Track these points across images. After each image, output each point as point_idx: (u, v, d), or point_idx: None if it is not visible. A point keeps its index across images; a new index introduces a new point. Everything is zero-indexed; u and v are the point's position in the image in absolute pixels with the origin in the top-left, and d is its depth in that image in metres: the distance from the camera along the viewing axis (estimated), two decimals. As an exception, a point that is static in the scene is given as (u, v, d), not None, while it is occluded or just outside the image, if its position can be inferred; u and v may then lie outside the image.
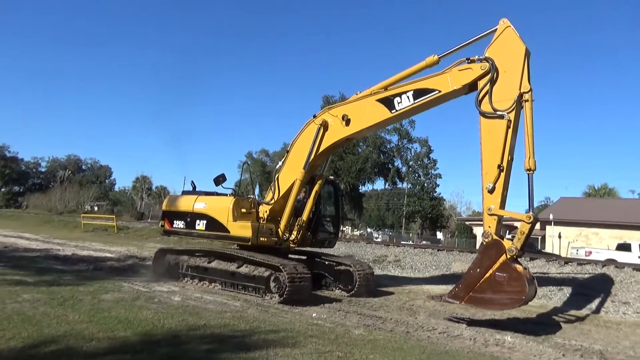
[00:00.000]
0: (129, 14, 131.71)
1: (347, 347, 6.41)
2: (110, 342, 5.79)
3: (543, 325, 9.32)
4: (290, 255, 11.62)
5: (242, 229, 10.57)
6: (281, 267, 9.61)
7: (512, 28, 8.68)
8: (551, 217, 36.96)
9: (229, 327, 7.06)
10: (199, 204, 11.44)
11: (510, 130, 8.27)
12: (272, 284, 9.89)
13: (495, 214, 8.20)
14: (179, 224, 11.75)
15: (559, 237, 37.22)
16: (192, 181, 12.66)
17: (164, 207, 12.59)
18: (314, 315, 8.68)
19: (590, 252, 25.41)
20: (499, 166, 8.24)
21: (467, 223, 52.72)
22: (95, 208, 63.26)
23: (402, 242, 29.78)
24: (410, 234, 61.26)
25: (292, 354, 5.81)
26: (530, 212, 8.00)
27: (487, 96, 8.57)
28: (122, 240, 26.14)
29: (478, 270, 8.15)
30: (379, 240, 42.08)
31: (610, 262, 17.02)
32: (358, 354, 6.08)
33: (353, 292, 11.24)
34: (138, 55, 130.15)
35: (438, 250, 19.22)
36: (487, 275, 8.02)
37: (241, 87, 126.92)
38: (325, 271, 11.97)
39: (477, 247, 34.43)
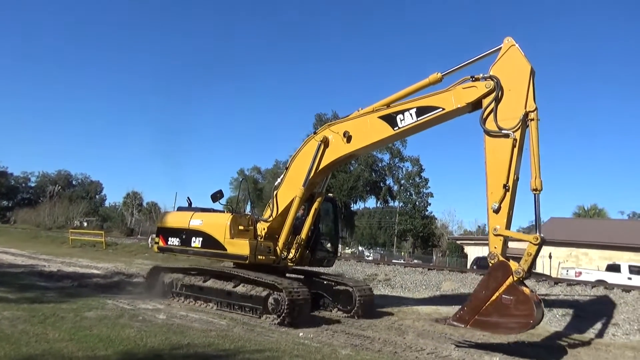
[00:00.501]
0: (122, 20, 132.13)
1: (333, 367, 6.30)
2: (89, 361, 5.65)
3: (533, 347, 9.27)
4: (287, 275, 11.32)
5: (239, 247, 10.28)
6: (280, 287, 9.31)
7: (516, 47, 8.65)
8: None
9: (213, 347, 6.93)
10: (195, 221, 11.16)
11: (516, 150, 8.19)
12: (270, 305, 9.56)
13: (501, 234, 8.07)
14: (174, 241, 11.45)
15: (550, 257, 37.26)
16: (188, 197, 12.34)
17: (158, 223, 12.34)
18: (300, 334, 8.54)
19: (580, 273, 25.42)
20: (504, 186, 8.13)
21: (458, 242, 52.68)
22: (85, 224, 62.49)
23: (393, 261, 29.65)
24: (402, 253, 61.14)
25: (277, 374, 5.69)
26: (538, 233, 7.84)
27: (492, 115, 8.51)
28: (110, 256, 25.79)
29: (484, 292, 7.95)
30: (370, 258, 41.85)
31: (599, 282, 17.03)
32: (344, 375, 5.97)
33: (353, 312, 10.99)
34: (132, 67, 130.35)
35: (428, 269, 19.11)
36: (494, 297, 7.81)
37: (234, 105, 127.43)
38: (323, 291, 11.67)
39: (468, 266, 34.41)
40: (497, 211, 8.14)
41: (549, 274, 30.49)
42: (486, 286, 7.98)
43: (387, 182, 65.05)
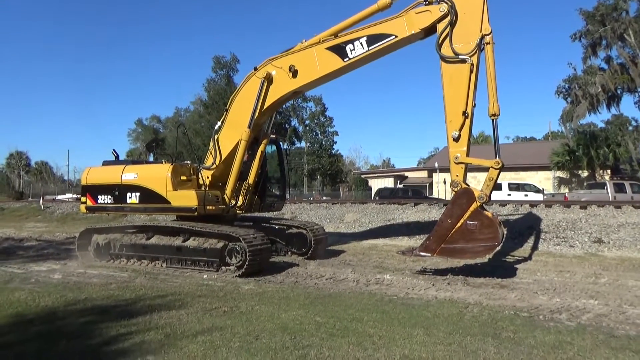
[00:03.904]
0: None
1: (234, 301, 6.60)
2: (-27, 328, 5.39)
3: (420, 263, 10.13)
4: (235, 223, 10.79)
5: (185, 199, 9.66)
6: (239, 237, 8.83)
7: None
8: (436, 165, 39.92)
9: (112, 298, 6.88)
10: (129, 175, 10.32)
11: (473, 75, 8.07)
12: (228, 256, 9.12)
13: (463, 162, 8.09)
14: (104, 199, 10.55)
15: (444, 183, 40.45)
16: (114, 150, 11.36)
17: (83, 181, 11.15)
18: (204, 276, 8.74)
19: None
20: (463, 112, 8.04)
21: (362, 177, 55.16)
22: (-37, 191, 56.28)
23: (303, 200, 30.47)
24: (313, 192, 62.71)
25: (177, 315, 5.86)
26: (498, 158, 7.95)
27: (447, 40, 8.27)
28: (-3, 222, 23.73)
29: (449, 220, 8.00)
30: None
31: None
32: (244, 307, 6.28)
33: (308, 255, 10.92)
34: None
35: (332, 204, 20.04)
36: (459, 224, 7.90)
37: (128, 50, 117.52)
38: (275, 236, 11.33)
39: (373, 197, 36.36)
40: (457, 139, 8.12)
41: (444, 198, 33.26)
42: (451, 214, 8.03)
43: (292, 124, 65.26)
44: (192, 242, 9.51)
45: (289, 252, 11.40)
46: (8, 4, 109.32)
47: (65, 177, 72.36)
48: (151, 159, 62.47)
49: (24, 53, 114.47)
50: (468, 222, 7.88)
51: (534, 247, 12.04)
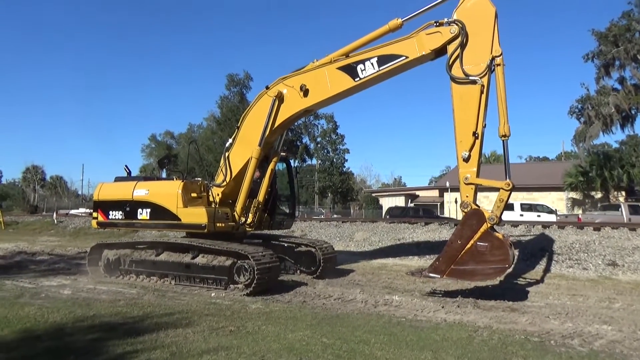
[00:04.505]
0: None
1: (241, 321, 6.57)
2: (-18, 343, 5.44)
3: (430, 284, 10.01)
4: (245, 241, 10.78)
5: (195, 216, 9.65)
6: (247, 255, 8.79)
7: None
8: (447, 184, 39.69)
9: (120, 315, 6.89)
10: (140, 191, 10.38)
11: (483, 96, 8.09)
12: (237, 274, 9.05)
13: (473, 182, 8.06)
14: (116, 215, 10.61)
15: (455, 202, 40.17)
16: (126, 165, 11.41)
17: (95, 197, 11.25)
18: (212, 295, 8.73)
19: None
20: (474, 133, 8.04)
21: (373, 195, 55.08)
22: (-21, 204, 57.11)
23: (313, 217, 30.45)
24: (323, 209, 62.70)
25: (184, 333, 5.85)
26: (508, 179, 7.92)
27: (457, 61, 8.30)
28: (11, 236, 23.99)
29: (459, 241, 7.91)
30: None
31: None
32: (251, 326, 6.26)
33: (317, 273, 10.83)
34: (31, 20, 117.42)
35: (342, 222, 19.99)
36: (469, 246, 7.82)
37: (144, 69, 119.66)
38: (284, 254, 11.28)
39: (383, 216, 36.19)
40: (467, 160, 8.09)
41: (455, 218, 32.99)
42: (461, 235, 7.93)
43: (304, 141, 65.62)
44: (201, 259, 9.46)
45: (298, 271, 11.33)
46: (25, 17, 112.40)
47: (80, 192, 73.28)
48: (163, 175, 63.01)
49: (41, 69, 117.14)
50: (478, 243, 7.78)
51: (546, 270, 11.86)
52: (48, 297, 8.31)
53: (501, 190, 7.97)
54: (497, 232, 8.09)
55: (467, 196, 8.09)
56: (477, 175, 8.15)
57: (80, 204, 56.51)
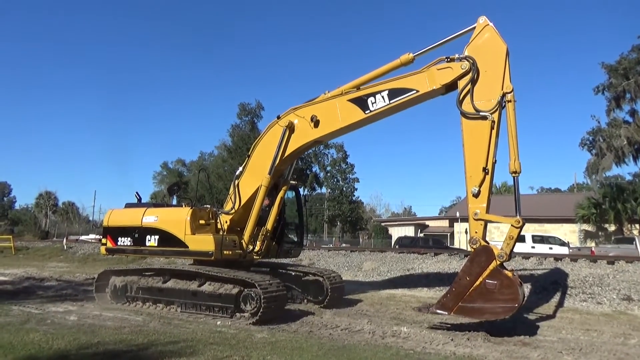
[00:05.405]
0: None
1: (246, 350, 6.47)
2: (-15, 369, 5.41)
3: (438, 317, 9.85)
4: (252, 269, 10.65)
5: (203, 243, 9.63)
6: (254, 283, 8.73)
7: (491, 26, 8.47)
8: (457, 214, 39.40)
9: (125, 343, 6.83)
10: (149, 218, 10.37)
11: (494, 132, 8.07)
12: (243, 303, 8.96)
13: (482, 218, 7.96)
14: (125, 241, 10.62)
15: (466, 232, 39.74)
16: (137, 192, 11.50)
17: (105, 223, 11.30)
18: (218, 323, 8.63)
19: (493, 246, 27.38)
20: (484, 169, 8.01)
21: (382, 224, 54.75)
22: (-8, 229, 57.66)
23: (322, 246, 30.26)
24: (333, 238, 62.34)
25: (188, 362, 5.77)
26: (518, 216, 7.76)
27: (468, 96, 8.32)
28: (21, 261, 24.14)
29: (467, 278, 7.79)
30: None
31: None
32: (256, 356, 6.16)
33: (325, 303, 10.70)
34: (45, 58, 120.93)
35: (351, 251, 19.84)
36: (477, 283, 7.69)
37: (154, 96, 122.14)
38: (291, 283, 11.15)
39: (392, 245, 35.85)
40: (476, 195, 8.03)
41: (466, 248, 32.59)
42: (469, 272, 7.81)
43: (314, 170, 65.85)
44: (207, 287, 9.37)
45: (305, 300, 11.20)
46: (39, 50, 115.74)
47: (91, 218, 73.81)
48: (174, 202, 63.33)
49: (56, 97, 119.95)
50: (487, 281, 7.65)
51: (559, 303, 11.58)
52: (54, 323, 8.27)
53: (511, 227, 7.85)
54: (506, 270, 7.94)
55: (476, 232, 7.97)
56: (487, 211, 8.06)
57: (90, 229, 56.85)
